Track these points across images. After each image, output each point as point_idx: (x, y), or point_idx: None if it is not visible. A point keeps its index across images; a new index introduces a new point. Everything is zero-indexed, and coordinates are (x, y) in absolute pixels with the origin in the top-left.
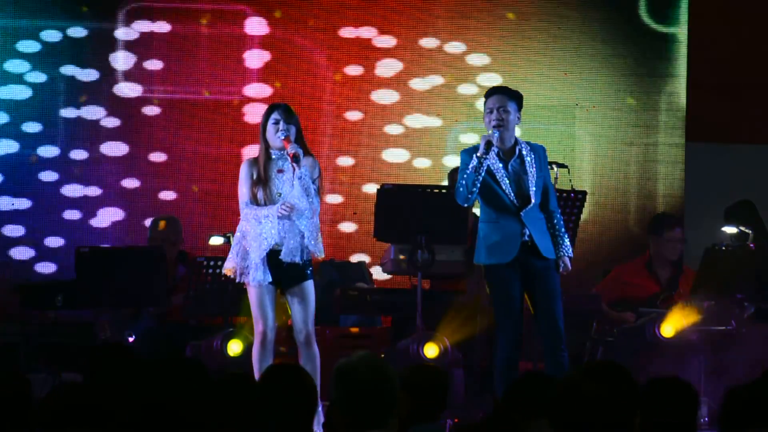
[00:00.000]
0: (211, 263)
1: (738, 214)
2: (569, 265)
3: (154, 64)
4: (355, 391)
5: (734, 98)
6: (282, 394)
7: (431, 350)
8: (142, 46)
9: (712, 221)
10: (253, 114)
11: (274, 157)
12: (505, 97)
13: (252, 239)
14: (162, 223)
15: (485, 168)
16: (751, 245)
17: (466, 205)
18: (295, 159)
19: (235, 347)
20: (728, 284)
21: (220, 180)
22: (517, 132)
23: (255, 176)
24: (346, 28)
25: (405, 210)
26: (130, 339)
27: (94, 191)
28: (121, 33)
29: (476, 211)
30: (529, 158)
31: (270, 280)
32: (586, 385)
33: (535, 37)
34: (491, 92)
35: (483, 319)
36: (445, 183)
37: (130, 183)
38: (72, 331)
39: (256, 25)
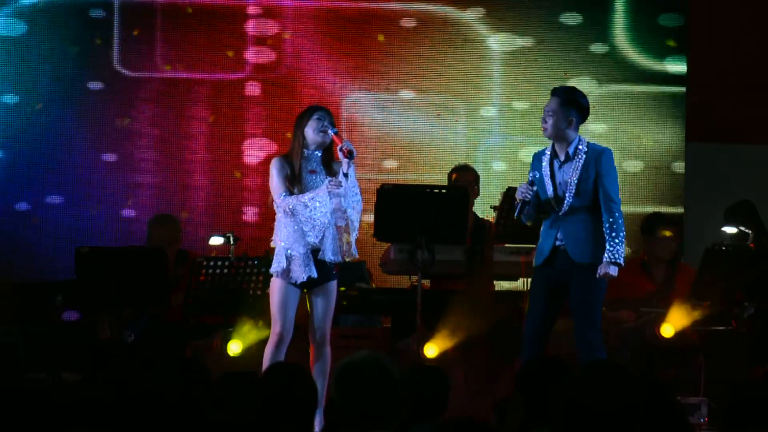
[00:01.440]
0: (211, 263)
1: (738, 214)
2: (610, 270)
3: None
4: (357, 391)
5: (734, 98)
6: (282, 393)
7: (431, 350)
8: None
9: (712, 221)
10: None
11: (307, 156)
12: (552, 100)
13: (303, 224)
14: (159, 223)
15: (528, 210)
16: (751, 245)
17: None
18: (350, 155)
19: (235, 347)
20: (728, 284)
21: (219, 179)
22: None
23: (289, 173)
24: None
25: (405, 210)
26: (130, 339)
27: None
28: None
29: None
30: (576, 162)
31: (304, 279)
32: (586, 386)
33: (536, 37)
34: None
35: (483, 319)
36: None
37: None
38: (72, 331)
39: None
